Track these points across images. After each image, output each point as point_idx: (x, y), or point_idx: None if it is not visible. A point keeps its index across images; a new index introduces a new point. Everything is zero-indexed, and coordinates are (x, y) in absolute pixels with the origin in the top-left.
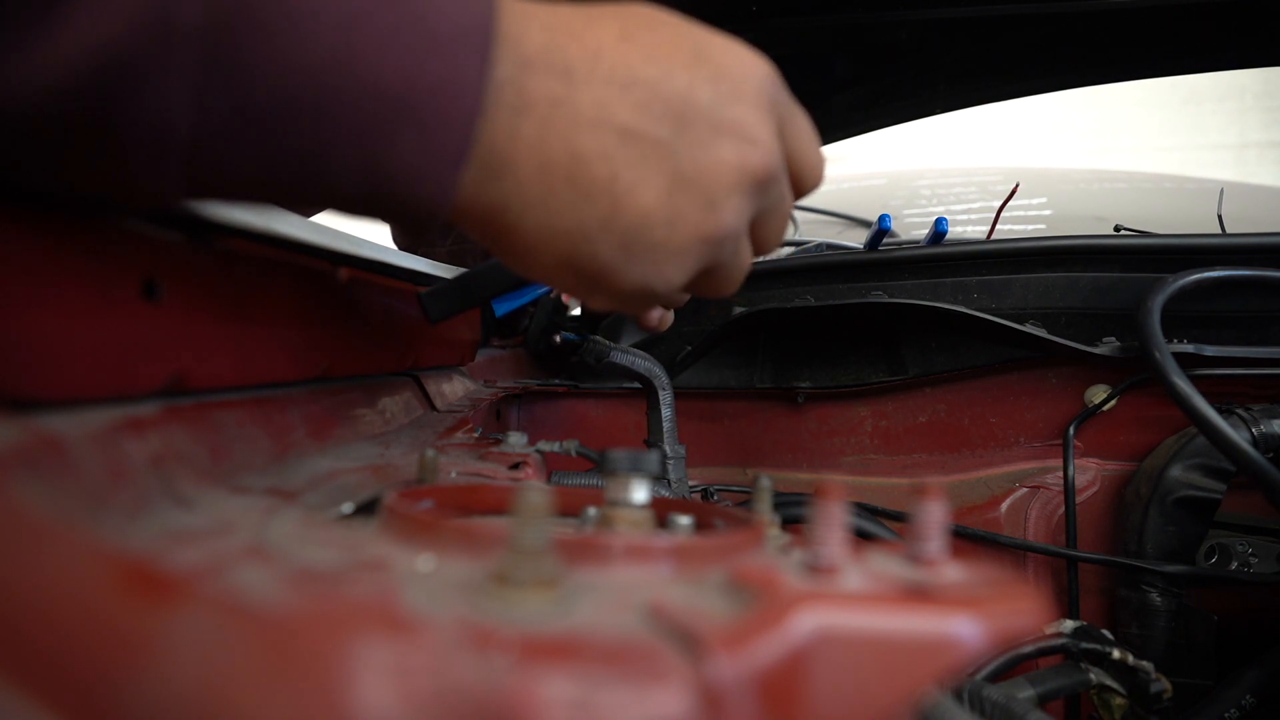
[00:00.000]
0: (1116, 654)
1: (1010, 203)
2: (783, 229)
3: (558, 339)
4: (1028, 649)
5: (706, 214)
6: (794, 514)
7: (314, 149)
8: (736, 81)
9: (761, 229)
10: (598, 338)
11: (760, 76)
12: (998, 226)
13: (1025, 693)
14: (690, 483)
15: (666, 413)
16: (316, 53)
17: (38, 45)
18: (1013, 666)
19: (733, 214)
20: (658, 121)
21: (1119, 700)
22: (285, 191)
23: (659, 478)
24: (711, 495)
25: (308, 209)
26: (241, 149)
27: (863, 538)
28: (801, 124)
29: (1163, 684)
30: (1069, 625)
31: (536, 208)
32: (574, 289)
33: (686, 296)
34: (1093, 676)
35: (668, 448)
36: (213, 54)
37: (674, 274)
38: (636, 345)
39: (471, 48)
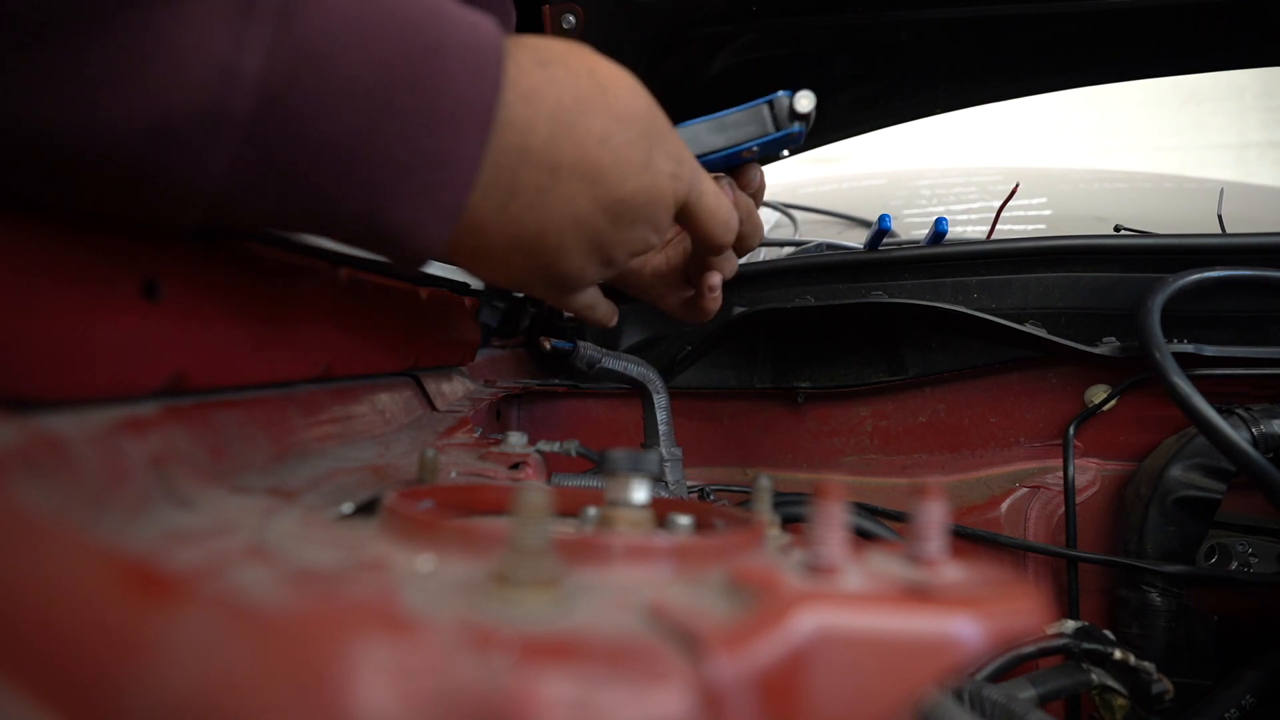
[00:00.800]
0: (1118, 654)
1: (1010, 203)
2: (718, 210)
3: (548, 346)
4: (1029, 649)
5: (607, 268)
6: (794, 514)
7: (326, 201)
8: (661, 175)
9: (694, 212)
10: (588, 344)
11: (679, 161)
12: (998, 226)
13: (1026, 693)
14: (688, 483)
15: (661, 415)
16: (344, 130)
17: (103, 102)
18: (1014, 667)
19: (628, 265)
20: (604, 211)
21: (1120, 701)
22: (292, 228)
23: (657, 479)
24: (708, 496)
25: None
26: (261, 199)
27: (863, 538)
28: (693, 167)
29: (1164, 685)
30: (1070, 625)
31: (498, 259)
32: (543, 291)
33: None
34: (1094, 677)
35: (664, 450)
36: (257, 134)
37: (584, 290)
38: (638, 344)
39: (475, 127)
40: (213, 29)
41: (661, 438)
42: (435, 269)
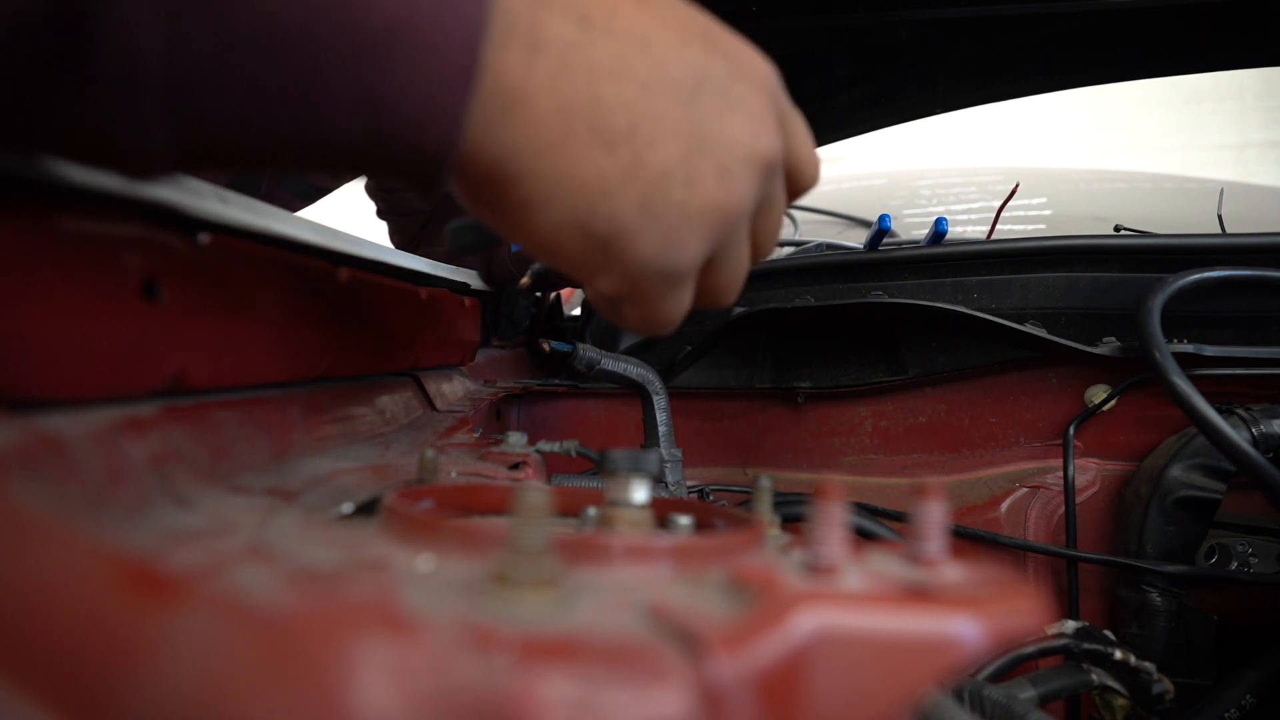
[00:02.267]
0: (1118, 655)
1: (1010, 203)
2: (778, 228)
3: (547, 348)
4: (1029, 649)
5: (721, 182)
6: (794, 513)
7: (304, 82)
8: (746, 67)
9: (760, 224)
10: (587, 346)
11: (766, 69)
12: (998, 226)
13: (1027, 693)
14: (688, 484)
15: (661, 416)
16: None
17: None
18: (1014, 667)
19: (744, 187)
20: (675, 84)
21: (1121, 701)
22: (278, 141)
23: (657, 479)
24: (708, 496)
25: (305, 168)
26: (223, 86)
27: (863, 538)
28: (798, 123)
29: (1165, 685)
30: (1071, 626)
31: (553, 152)
32: (579, 258)
33: (688, 300)
34: (1094, 677)
35: (664, 451)
36: None
37: (688, 246)
38: (637, 345)
39: None
40: None
41: (661, 438)
42: (436, 269)
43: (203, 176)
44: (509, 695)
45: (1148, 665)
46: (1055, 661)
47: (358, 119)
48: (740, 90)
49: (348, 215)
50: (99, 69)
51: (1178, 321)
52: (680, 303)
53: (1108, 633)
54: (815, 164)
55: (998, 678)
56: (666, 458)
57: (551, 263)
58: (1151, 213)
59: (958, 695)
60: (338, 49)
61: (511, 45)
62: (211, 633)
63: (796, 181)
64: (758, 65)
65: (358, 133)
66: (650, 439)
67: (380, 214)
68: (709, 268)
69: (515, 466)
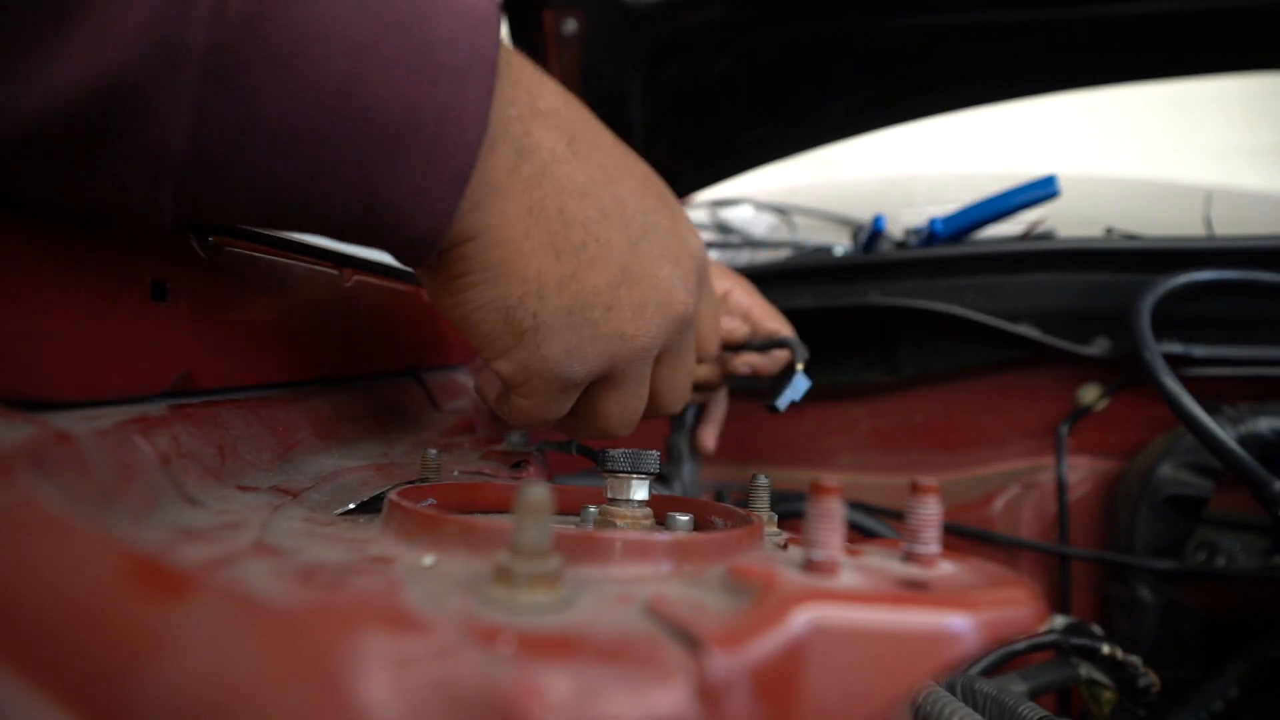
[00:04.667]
0: (1106, 649)
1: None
2: (683, 383)
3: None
4: (1020, 645)
5: (635, 316)
6: (792, 511)
7: (314, 174)
8: (684, 232)
9: (664, 370)
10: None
11: (699, 243)
12: (993, 230)
13: (1017, 687)
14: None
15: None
16: (322, 79)
17: (43, 67)
18: (1005, 662)
19: (653, 326)
20: (627, 221)
21: (1108, 694)
22: (280, 217)
23: (658, 477)
24: (724, 498)
25: (303, 232)
26: (238, 172)
27: (861, 536)
28: (712, 299)
29: (1150, 678)
30: (1060, 621)
31: (510, 246)
32: (492, 339)
33: (566, 407)
34: (1082, 671)
35: (685, 449)
36: (216, 75)
37: (588, 361)
38: None
39: (477, 77)
40: None
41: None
42: None
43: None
44: (510, 690)
45: (1134, 659)
46: (1046, 656)
47: (358, 208)
48: (674, 248)
49: None
50: (128, 154)
51: (1167, 322)
52: (561, 407)
53: (1095, 627)
54: (716, 340)
55: (989, 673)
56: (687, 457)
57: (465, 334)
58: (1141, 216)
59: (951, 690)
60: (347, 151)
61: (502, 146)
62: (219, 627)
63: (701, 345)
64: (694, 236)
65: (357, 217)
66: (677, 431)
67: None
68: (600, 390)
69: (517, 465)
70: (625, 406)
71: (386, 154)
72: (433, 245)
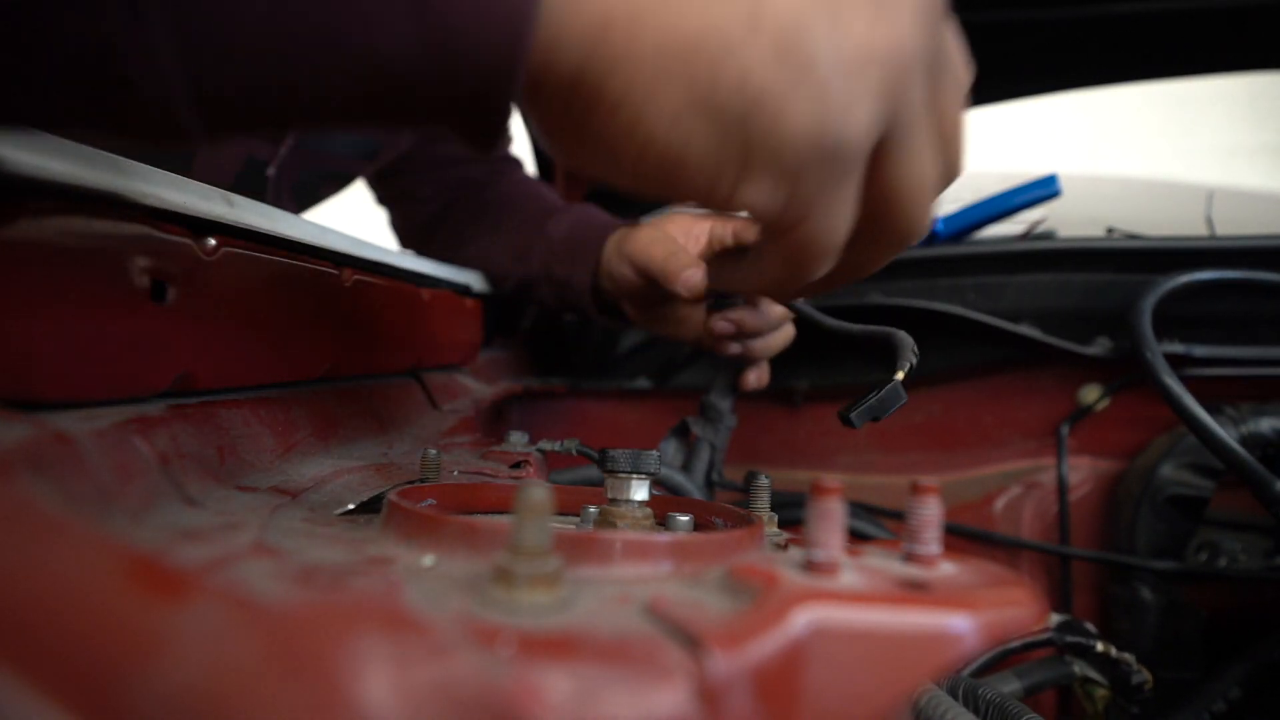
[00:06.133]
0: (1100, 647)
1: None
2: (960, 114)
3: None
4: (1015, 644)
5: (876, 21)
6: (792, 513)
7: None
8: None
9: (940, 97)
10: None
11: None
12: (994, 230)
13: (1011, 685)
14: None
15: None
16: None
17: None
18: (1001, 660)
19: (909, 22)
20: None
21: (1102, 692)
22: (311, 73)
23: (655, 475)
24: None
25: (346, 115)
26: (252, 33)
27: (860, 537)
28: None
29: (1144, 675)
30: (1054, 619)
31: (649, 12)
32: (715, 158)
33: (853, 210)
34: (1076, 669)
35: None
36: None
37: (857, 106)
38: (638, 345)
39: None
40: None
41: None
42: (439, 271)
43: (260, 136)
44: (510, 690)
45: (1127, 657)
46: (1043, 654)
47: (405, 29)
48: None
49: (348, 216)
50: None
51: (1168, 322)
52: (847, 200)
53: (1089, 625)
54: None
55: (985, 671)
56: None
57: (677, 184)
58: (1142, 216)
59: (950, 691)
60: None
61: None
62: (218, 628)
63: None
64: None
65: (410, 42)
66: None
67: (380, 201)
68: (884, 161)
69: (516, 465)
70: (920, 168)
71: None
72: (516, 58)
